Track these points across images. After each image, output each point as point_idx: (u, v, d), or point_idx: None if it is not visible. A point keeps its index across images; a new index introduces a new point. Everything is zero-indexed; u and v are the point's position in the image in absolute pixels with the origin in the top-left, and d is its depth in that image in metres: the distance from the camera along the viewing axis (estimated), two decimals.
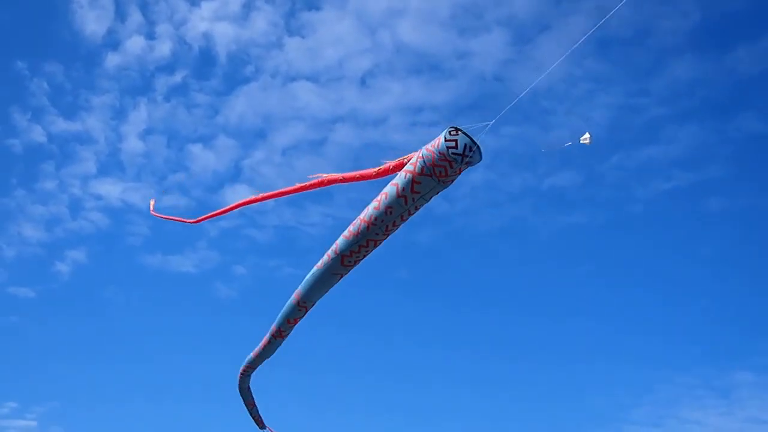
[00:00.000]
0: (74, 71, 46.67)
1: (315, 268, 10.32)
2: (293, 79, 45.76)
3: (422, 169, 8.29)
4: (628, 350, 39.99)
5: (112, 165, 45.82)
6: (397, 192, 8.64)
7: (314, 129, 45.60)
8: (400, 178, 8.65)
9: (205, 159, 45.95)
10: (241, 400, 15.47)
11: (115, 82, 45.98)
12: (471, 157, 8.04)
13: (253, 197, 13.20)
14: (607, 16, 7.15)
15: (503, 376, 39.61)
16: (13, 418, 37.52)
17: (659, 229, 43.57)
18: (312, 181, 11.28)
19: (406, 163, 8.94)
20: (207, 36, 46.03)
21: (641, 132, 42.65)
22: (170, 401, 39.22)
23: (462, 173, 8.43)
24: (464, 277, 44.56)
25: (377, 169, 9.65)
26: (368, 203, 9.24)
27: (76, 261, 43.93)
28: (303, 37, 45.76)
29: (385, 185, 9.06)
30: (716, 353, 38.55)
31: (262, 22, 45.55)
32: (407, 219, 9.09)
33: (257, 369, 14.23)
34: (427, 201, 8.79)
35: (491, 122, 7.75)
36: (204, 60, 46.70)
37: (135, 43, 45.58)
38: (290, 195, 12.06)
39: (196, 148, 46.29)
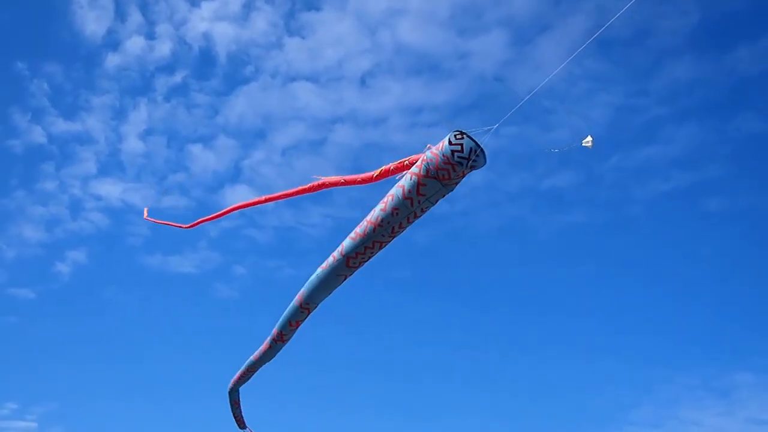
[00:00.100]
0: (74, 71, 46.55)
1: (320, 270, 10.28)
2: (293, 79, 45.62)
3: (427, 171, 8.26)
4: (628, 350, 39.86)
5: (112, 165, 45.69)
6: (404, 194, 8.63)
7: (314, 129, 45.52)
8: (406, 180, 8.63)
9: (205, 159, 45.81)
10: (228, 398, 15.46)
11: (115, 82, 45.81)
12: (476, 160, 8.00)
13: (251, 200, 13.13)
14: (612, 20, 7.07)
15: (503, 376, 39.57)
16: (13, 419, 37.37)
17: (658, 229, 43.44)
18: (312, 184, 11.24)
19: (406, 165, 8.91)
20: (207, 36, 45.86)
21: (641, 132, 42.62)
22: (170, 401, 39.10)
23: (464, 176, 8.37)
24: (464, 276, 44.45)
25: (377, 171, 9.62)
26: (368, 204, 9.27)
27: (76, 261, 43.76)
28: (303, 38, 45.62)
29: (388, 187, 9.05)
30: (716, 353, 38.49)
31: (262, 23, 45.42)
32: (413, 221, 9.06)
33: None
34: (433, 204, 8.76)
35: (495, 126, 7.68)
36: (204, 60, 46.55)
37: (135, 44, 45.41)
38: (290, 197, 12.01)
39: (196, 149, 46.15)
